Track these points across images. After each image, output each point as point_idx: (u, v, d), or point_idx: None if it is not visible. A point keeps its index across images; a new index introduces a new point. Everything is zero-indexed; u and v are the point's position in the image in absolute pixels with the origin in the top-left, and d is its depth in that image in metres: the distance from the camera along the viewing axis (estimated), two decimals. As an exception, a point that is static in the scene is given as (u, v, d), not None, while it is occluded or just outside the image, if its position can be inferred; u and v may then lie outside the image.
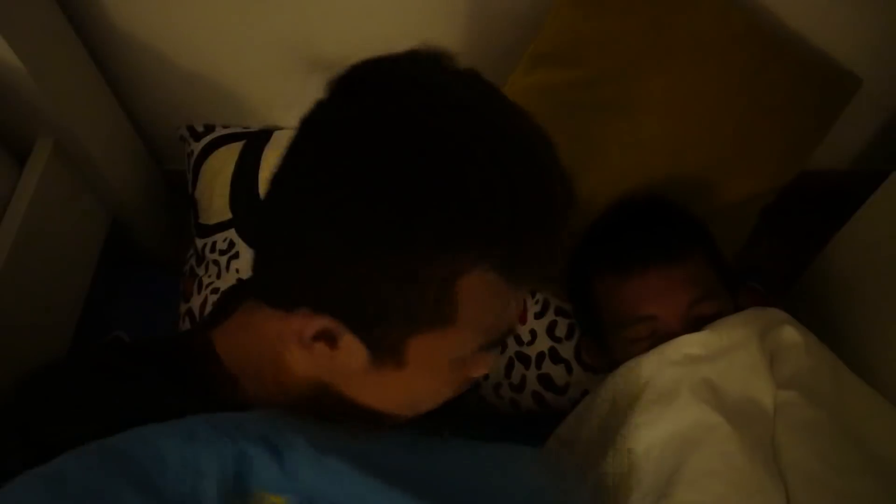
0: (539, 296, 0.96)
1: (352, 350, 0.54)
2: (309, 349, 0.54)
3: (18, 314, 0.91)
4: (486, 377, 0.97)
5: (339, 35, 0.99)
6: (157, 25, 0.98)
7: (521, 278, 0.54)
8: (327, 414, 0.60)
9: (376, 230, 0.48)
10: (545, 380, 0.95)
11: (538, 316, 0.96)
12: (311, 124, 0.53)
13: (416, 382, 0.57)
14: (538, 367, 0.95)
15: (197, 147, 1.07)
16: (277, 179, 0.54)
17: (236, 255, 0.99)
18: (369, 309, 0.51)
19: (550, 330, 0.95)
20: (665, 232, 0.86)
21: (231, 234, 1.00)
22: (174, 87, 1.06)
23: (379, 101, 0.50)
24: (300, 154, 0.53)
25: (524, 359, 0.96)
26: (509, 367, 0.96)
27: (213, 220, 1.02)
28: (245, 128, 1.08)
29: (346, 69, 0.53)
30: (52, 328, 1.01)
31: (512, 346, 0.96)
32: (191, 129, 1.09)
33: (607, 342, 0.87)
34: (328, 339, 0.53)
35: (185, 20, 0.97)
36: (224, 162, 1.05)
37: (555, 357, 0.95)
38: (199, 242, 1.03)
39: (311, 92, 0.54)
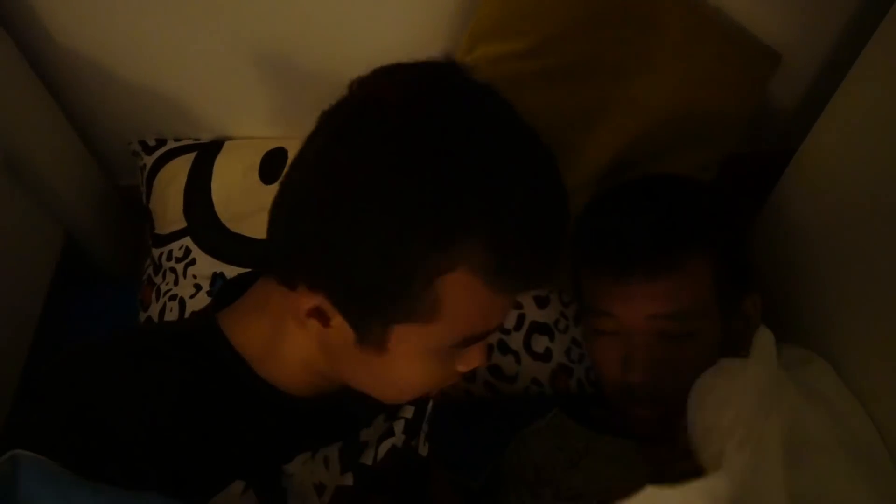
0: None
1: (340, 330, 0.58)
2: (304, 325, 0.59)
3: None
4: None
5: (285, 44, 1.02)
6: (102, 41, 1.00)
7: (505, 286, 0.56)
8: (329, 386, 0.66)
9: (369, 220, 0.52)
10: (495, 370, 1.00)
11: (486, 309, 1.00)
12: (331, 116, 0.58)
13: (397, 369, 0.61)
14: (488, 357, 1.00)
15: (149, 160, 1.09)
16: (293, 165, 0.59)
17: (193, 262, 1.02)
18: (357, 293, 0.55)
19: (499, 322, 1.00)
20: (660, 233, 0.79)
21: (187, 241, 1.03)
22: (124, 102, 1.08)
23: (397, 95, 0.55)
24: (315, 142, 0.58)
25: (475, 350, 1.00)
26: (461, 358, 1.00)
27: (168, 230, 1.05)
28: (196, 139, 1.11)
29: (369, 72, 0.58)
30: (8, 344, 1.02)
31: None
32: (143, 143, 1.11)
33: (583, 321, 0.90)
34: (321, 317, 0.58)
35: (131, 36, 0.99)
36: (177, 173, 1.07)
37: (503, 348, 1.00)
38: (156, 252, 1.05)
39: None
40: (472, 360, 0.64)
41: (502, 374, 1.00)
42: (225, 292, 0.69)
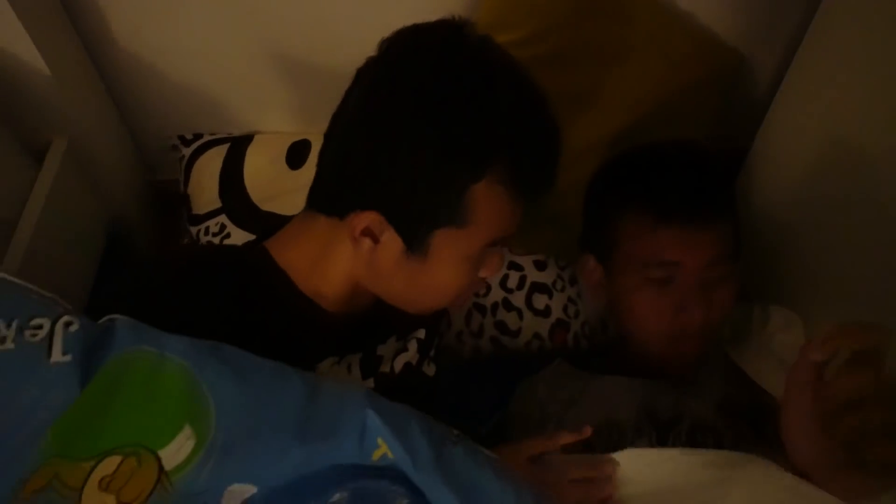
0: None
1: (390, 243, 0.71)
2: (357, 243, 0.71)
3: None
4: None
5: (308, 48, 1.17)
6: (152, 44, 1.14)
7: (521, 195, 0.70)
8: (359, 305, 0.78)
9: (413, 142, 0.66)
10: (500, 326, 1.11)
11: (491, 271, 1.12)
12: (365, 73, 0.72)
13: (437, 273, 0.73)
14: (493, 314, 1.11)
15: (187, 152, 1.22)
16: (334, 117, 0.73)
17: (228, 236, 1.14)
18: (407, 205, 0.68)
19: (503, 282, 1.11)
20: (714, 185, 0.92)
21: (222, 218, 1.15)
22: (166, 101, 1.22)
23: (419, 50, 0.69)
24: (353, 94, 0.72)
25: (481, 308, 1.11)
26: (468, 316, 1.11)
27: (205, 210, 1.17)
28: (229, 133, 1.24)
29: (393, 33, 0.72)
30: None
31: (469, 299, 1.12)
32: (181, 137, 1.24)
33: (615, 274, 0.95)
34: (372, 235, 0.70)
35: (177, 40, 1.13)
36: (212, 162, 1.20)
37: (507, 306, 1.11)
38: (193, 229, 1.17)
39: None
40: (491, 266, 0.76)
41: (507, 329, 1.11)
42: (269, 229, 0.82)
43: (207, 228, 1.16)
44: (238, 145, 1.22)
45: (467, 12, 1.10)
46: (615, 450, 0.87)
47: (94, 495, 0.53)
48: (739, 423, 0.90)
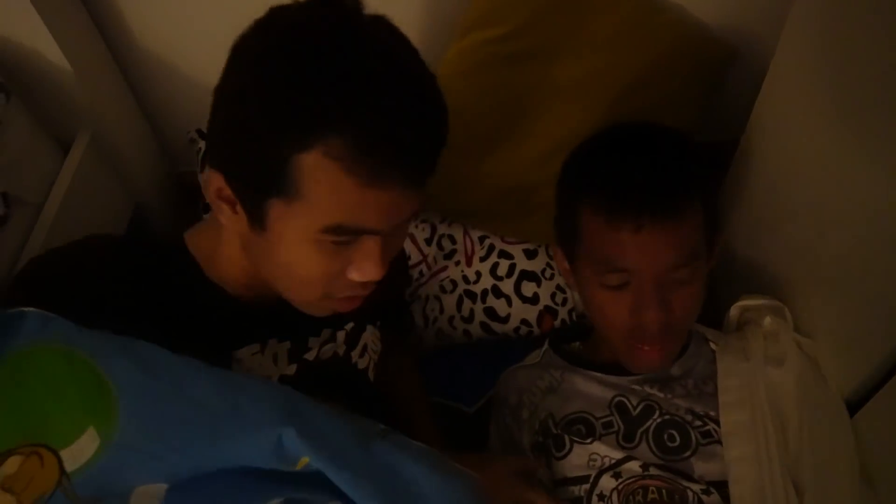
0: (486, 241, 1.17)
1: (241, 212, 0.68)
2: (218, 208, 0.69)
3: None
4: (434, 309, 1.16)
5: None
6: (170, 42, 1.22)
7: (366, 179, 0.62)
8: (263, 291, 0.75)
9: (245, 101, 0.63)
10: (490, 312, 1.16)
11: (483, 259, 1.16)
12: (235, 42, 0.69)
13: (279, 251, 0.68)
14: (483, 301, 1.16)
15: (204, 144, 1.30)
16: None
17: (236, 223, 1.20)
18: (236, 166, 0.65)
19: (493, 270, 1.16)
20: (669, 179, 0.84)
21: (233, 205, 1.22)
22: (185, 96, 1.30)
23: (285, 22, 0.65)
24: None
25: (471, 295, 1.16)
26: (459, 302, 1.16)
27: (217, 199, 1.25)
28: (243, 127, 1.32)
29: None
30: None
31: (461, 285, 1.16)
32: (199, 131, 1.32)
33: (578, 267, 0.92)
34: (229, 201, 0.68)
35: (194, 38, 1.21)
36: (226, 153, 1.28)
37: (497, 293, 1.15)
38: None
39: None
40: (362, 270, 0.69)
41: (496, 315, 1.15)
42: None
43: (220, 214, 1.23)
44: (250, 138, 1.28)
45: (458, 10, 1.16)
46: (584, 442, 0.90)
47: (-3, 495, 0.52)
48: (709, 419, 0.89)
